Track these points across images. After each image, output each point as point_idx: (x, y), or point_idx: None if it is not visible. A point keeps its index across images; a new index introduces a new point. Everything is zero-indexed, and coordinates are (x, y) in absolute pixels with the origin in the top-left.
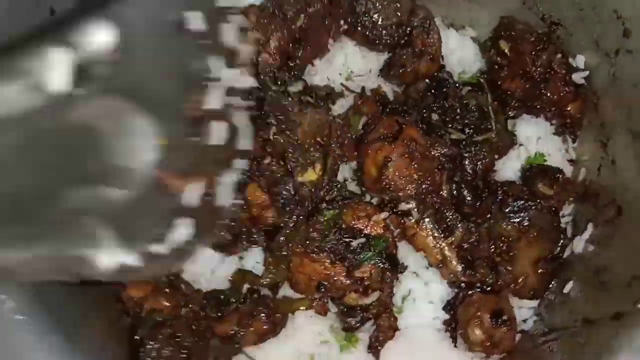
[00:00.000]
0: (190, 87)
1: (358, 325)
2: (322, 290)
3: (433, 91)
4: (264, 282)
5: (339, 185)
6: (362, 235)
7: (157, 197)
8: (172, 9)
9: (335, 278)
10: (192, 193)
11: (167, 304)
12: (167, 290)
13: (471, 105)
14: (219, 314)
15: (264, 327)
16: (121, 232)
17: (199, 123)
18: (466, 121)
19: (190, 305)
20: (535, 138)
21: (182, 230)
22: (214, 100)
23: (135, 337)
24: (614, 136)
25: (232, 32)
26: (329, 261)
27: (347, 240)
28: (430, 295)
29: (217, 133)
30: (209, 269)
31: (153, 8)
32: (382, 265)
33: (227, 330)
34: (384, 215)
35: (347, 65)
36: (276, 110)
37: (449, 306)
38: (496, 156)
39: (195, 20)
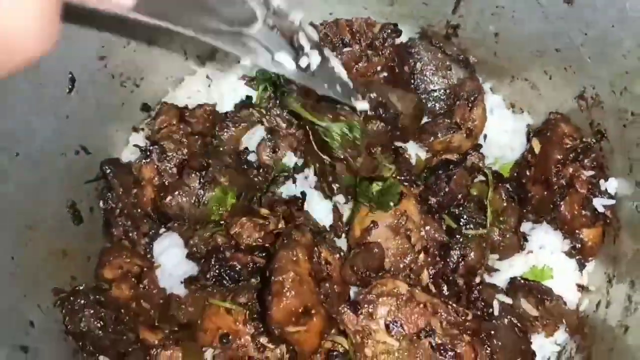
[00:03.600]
0: None
1: None
2: (225, 342)
3: (439, 171)
4: (182, 316)
5: None
6: None
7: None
8: None
9: (241, 337)
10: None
11: (127, 292)
12: (134, 280)
13: (471, 196)
14: (155, 324)
15: None
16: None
17: None
18: (461, 211)
19: (142, 301)
20: (550, 250)
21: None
22: None
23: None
24: (623, 275)
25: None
26: (243, 318)
27: None
28: None
29: None
30: (182, 273)
31: None
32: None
33: (150, 340)
34: None
35: None
36: None
37: None
38: (496, 256)
39: None
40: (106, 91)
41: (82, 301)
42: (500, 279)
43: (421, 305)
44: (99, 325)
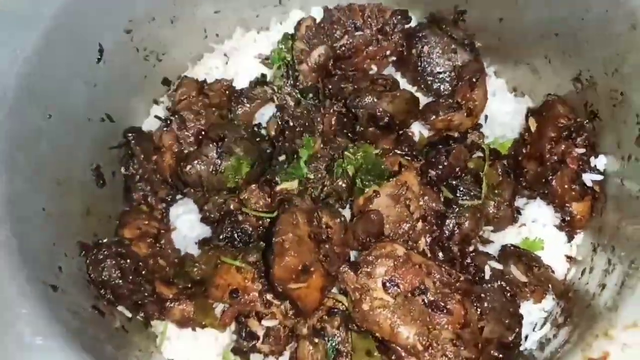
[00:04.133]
0: None
1: (246, 351)
2: (234, 297)
3: (439, 145)
4: (195, 273)
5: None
6: None
7: None
8: None
9: (249, 293)
10: None
11: (145, 250)
12: (151, 240)
13: (468, 169)
14: (170, 279)
15: (185, 315)
16: None
17: None
18: (459, 183)
19: (158, 258)
20: (542, 224)
21: None
22: None
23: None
24: (606, 244)
25: None
26: (252, 276)
27: None
28: None
29: None
30: (195, 236)
31: None
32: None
33: (165, 293)
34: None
35: None
36: None
37: None
38: (490, 228)
39: None
40: (130, 64)
41: (105, 252)
42: (493, 250)
43: (416, 266)
44: (118, 274)
